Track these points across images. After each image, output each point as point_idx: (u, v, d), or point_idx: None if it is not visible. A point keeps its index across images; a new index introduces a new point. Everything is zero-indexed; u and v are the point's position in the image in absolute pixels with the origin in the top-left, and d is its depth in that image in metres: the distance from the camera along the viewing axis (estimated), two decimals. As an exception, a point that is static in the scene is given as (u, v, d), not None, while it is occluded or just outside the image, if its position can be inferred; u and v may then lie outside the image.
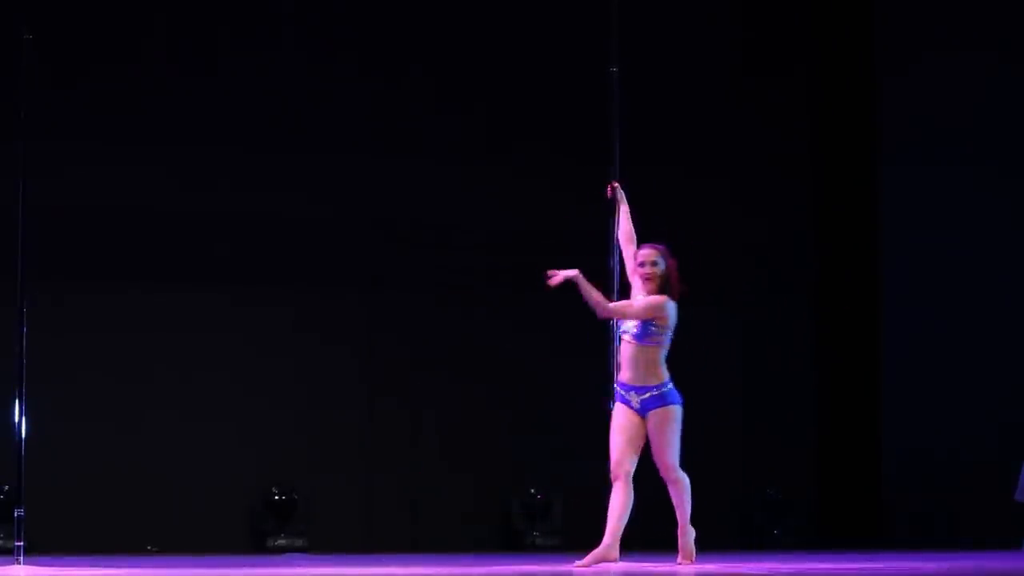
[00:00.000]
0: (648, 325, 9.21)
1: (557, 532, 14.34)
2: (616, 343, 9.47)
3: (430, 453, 14.45)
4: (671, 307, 9.26)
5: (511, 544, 14.31)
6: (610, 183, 9.73)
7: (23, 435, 9.83)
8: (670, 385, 9.29)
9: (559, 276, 9.18)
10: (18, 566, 9.59)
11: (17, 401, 9.82)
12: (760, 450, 15.12)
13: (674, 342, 14.98)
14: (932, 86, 14.98)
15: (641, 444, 9.27)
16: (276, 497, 13.88)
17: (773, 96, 15.59)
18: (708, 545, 13.83)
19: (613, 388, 9.39)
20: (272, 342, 14.19)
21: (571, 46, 14.35)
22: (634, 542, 10.55)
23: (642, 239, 9.56)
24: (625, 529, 9.30)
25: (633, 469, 9.24)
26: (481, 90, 14.81)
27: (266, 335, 14.17)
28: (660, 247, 9.35)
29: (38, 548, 11.66)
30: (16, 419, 9.84)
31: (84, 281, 13.70)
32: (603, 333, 10.48)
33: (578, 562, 9.21)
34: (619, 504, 9.20)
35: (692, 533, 9.40)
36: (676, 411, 9.30)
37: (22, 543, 9.80)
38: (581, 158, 13.52)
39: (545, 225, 14.41)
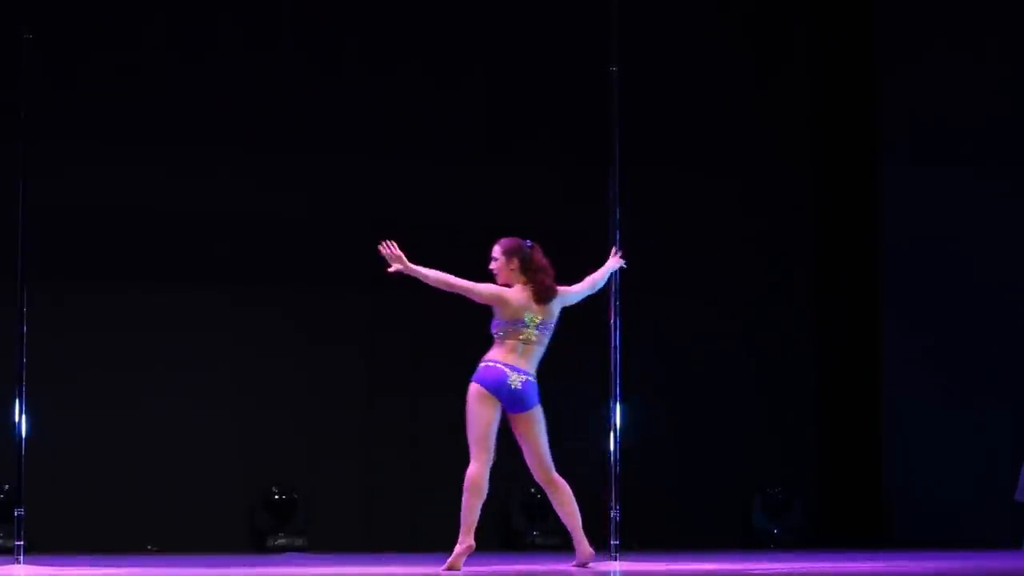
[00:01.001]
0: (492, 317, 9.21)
1: (557, 532, 14.30)
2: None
3: (430, 453, 14.43)
4: (508, 296, 9.27)
5: (511, 544, 14.30)
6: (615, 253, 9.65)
7: (23, 435, 9.84)
8: (480, 366, 9.26)
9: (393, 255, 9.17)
10: (18, 566, 9.59)
11: (17, 401, 9.83)
12: (760, 450, 15.11)
13: (673, 341, 14.98)
14: (932, 86, 14.97)
15: (524, 442, 9.17)
16: (276, 497, 13.88)
17: (773, 96, 15.58)
18: (708, 544, 13.90)
19: None
20: (272, 342, 14.18)
21: (571, 46, 14.34)
22: (632, 541, 10.57)
23: (641, 239, 9.55)
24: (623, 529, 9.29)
25: (547, 468, 9.17)
26: (481, 90, 14.80)
27: (266, 335, 14.16)
28: (503, 242, 9.40)
29: (38, 548, 11.65)
30: (16, 419, 9.84)
31: (84, 281, 13.69)
32: (601, 334, 10.49)
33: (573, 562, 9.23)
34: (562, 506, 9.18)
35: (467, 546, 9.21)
36: (469, 388, 9.18)
37: (22, 543, 9.81)
38: (581, 158, 13.54)
39: (545, 225, 14.33)
